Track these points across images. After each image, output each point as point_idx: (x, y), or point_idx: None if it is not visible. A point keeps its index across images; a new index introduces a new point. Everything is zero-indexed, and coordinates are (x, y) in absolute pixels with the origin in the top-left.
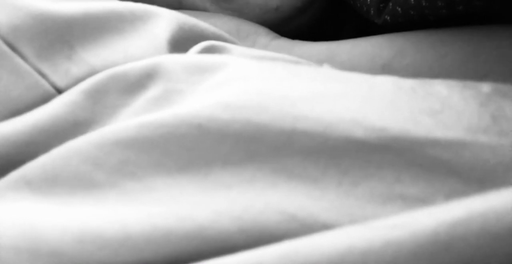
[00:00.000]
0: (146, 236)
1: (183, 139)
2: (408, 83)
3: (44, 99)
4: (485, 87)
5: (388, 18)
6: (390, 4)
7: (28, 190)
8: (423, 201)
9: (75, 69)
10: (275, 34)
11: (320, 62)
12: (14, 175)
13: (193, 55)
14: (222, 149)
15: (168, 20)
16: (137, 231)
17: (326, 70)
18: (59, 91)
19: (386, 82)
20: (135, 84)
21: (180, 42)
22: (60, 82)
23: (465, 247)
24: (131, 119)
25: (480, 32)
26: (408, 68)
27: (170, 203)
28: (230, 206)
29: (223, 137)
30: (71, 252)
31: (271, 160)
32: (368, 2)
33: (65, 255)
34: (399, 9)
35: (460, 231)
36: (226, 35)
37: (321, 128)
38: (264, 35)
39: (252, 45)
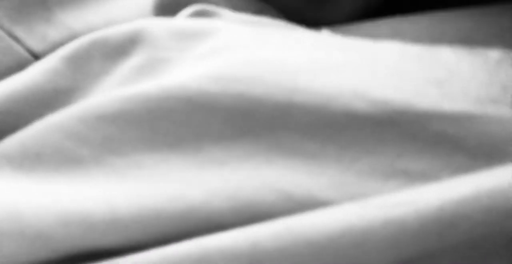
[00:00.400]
0: (134, 217)
1: (171, 113)
2: (415, 50)
3: (20, 66)
4: (494, 54)
5: None
6: None
7: (9, 168)
8: (427, 177)
9: (53, 33)
10: None
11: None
12: None
13: (180, 19)
14: (213, 124)
15: None
16: (125, 212)
17: (326, 36)
18: (36, 57)
19: (391, 49)
20: (118, 50)
21: (169, 6)
22: (36, 46)
23: (471, 225)
24: (115, 90)
25: (478, 10)
26: None
27: (159, 181)
28: (223, 184)
29: (214, 111)
30: (56, 235)
31: (266, 135)
32: None
33: (50, 238)
34: None
35: (466, 209)
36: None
37: (320, 101)
38: None
39: None
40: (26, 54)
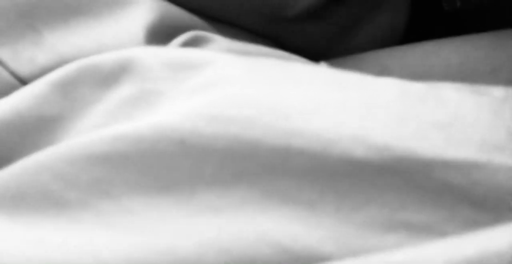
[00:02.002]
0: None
1: (163, 156)
2: (416, 88)
3: (4, 91)
4: (498, 92)
5: (459, 3)
6: None
7: None
8: (430, 230)
9: (42, 56)
10: None
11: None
12: None
13: (173, 49)
14: (207, 168)
15: (149, 6)
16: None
17: (323, 71)
18: (23, 82)
19: (391, 88)
20: (108, 77)
21: (162, 32)
22: (23, 70)
23: None
24: (105, 125)
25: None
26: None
27: (150, 231)
28: (217, 236)
29: (208, 154)
30: None
31: (262, 181)
32: None
33: None
34: None
35: None
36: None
37: (319, 146)
38: None
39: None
40: (11, 79)
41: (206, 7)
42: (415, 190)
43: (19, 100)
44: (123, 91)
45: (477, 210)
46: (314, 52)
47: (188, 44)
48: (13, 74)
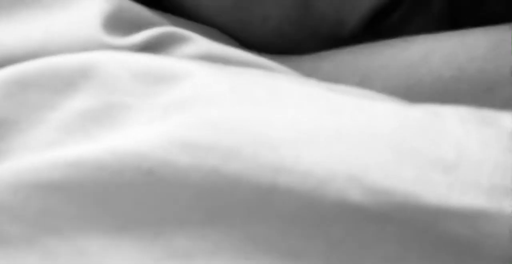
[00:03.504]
0: None
1: (126, 188)
2: (415, 116)
3: None
4: (506, 122)
5: None
6: None
7: None
8: None
9: None
10: None
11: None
12: None
13: (145, 56)
14: (177, 205)
15: None
16: None
17: (313, 90)
18: None
19: (389, 115)
20: (65, 81)
21: (121, 24)
22: None
23: None
24: (59, 142)
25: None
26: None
27: None
28: None
29: (180, 188)
30: None
31: (241, 224)
32: None
33: None
34: None
35: None
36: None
37: (309, 186)
38: None
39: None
40: None
41: (267, 33)
42: (417, 242)
43: None
44: (83, 101)
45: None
46: None
47: (159, 42)
48: None
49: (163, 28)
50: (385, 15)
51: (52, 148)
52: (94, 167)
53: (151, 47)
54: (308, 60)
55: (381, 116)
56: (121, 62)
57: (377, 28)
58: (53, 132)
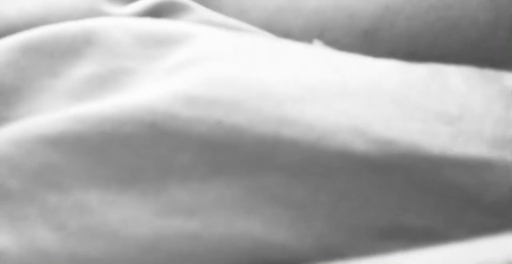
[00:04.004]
0: None
1: (129, 141)
2: (419, 74)
3: None
4: (509, 80)
5: None
6: None
7: None
8: (433, 236)
9: None
10: None
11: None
12: None
13: (146, 20)
14: (181, 158)
15: None
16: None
17: (317, 51)
18: None
19: (393, 72)
20: (68, 48)
21: None
22: None
23: None
24: (67, 106)
25: None
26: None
27: (105, 233)
28: (187, 245)
29: (183, 141)
30: None
31: (245, 175)
32: None
33: None
34: None
35: None
36: None
37: (313, 137)
38: None
39: None
40: None
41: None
42: (419, 191)
43: None
44: (87, 67)
45: (486, 214)
46: None
47: (159, 11)
48: None
49: None
50: None
51: (59, 110)
52: (97, 120)
53: (152, 15)
54: None
55: (384, 73)
56: (124, 27)
57: None
58: (59, 100)
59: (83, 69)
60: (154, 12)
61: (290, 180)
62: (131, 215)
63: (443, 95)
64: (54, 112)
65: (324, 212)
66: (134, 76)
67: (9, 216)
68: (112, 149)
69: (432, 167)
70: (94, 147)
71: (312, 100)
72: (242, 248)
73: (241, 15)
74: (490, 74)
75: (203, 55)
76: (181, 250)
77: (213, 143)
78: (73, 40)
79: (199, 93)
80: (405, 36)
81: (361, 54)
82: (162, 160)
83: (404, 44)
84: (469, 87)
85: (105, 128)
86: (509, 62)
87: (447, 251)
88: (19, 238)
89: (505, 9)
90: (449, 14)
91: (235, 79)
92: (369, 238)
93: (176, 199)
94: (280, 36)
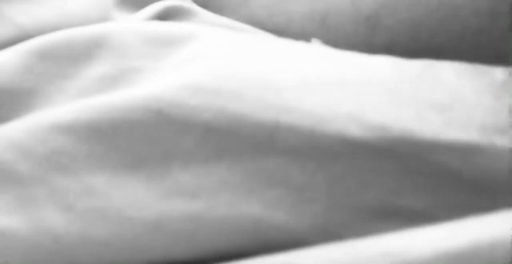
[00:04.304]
0: (82, 248)
1: (136, 127)
2: (413, 67)
3: None
4: (499, 73)
5: None
6: None
7: None
8: (424, 217)
9: (1, 30)
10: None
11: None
12: None
13: (153, 22)
14: (185, 143)
15: None
16: (71, 240)
17: (316, 48)
18: None
19: (387, 66)
20: (81, 53)
21: (131, 1)
22: None
23: None
24: (77, 99)
25: None
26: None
27: (111, 214)
28: (191, 225)
29: (188, 127)
30: None
31: (247, 159)
32: None
33: None
34: None
35: None
36: None
37: (311, 123)
38: None
39: None
40: None
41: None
42: (413, 174)
43: None
44: (98, 68)
45: (474, 195)
46: None
47: (164, 16)
48: None
49: (168, 2)
50: None
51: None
52: (107, 108)
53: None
54: None
55: (379, 67)
56: (132, 29)
57: None
58: (72, 99)
59: (94, 70)
60: (160, 17)
61: (289, 164)
62: (136, 197)
63: (435, 86)
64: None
65: (321, 194)
66: (144, 74)
67: (18, 198)
68: (119, 135)
69: (425, 151)
70: (102, 133)
71: (310, 90)
72: (242, 228)
73: (244, 2)
74: (481, 68)
75: (207, 51)
76: (184, 230)
77: (216, 129)
78: (86, 44)
79: (204, 83)
80: (407, 23)
81: (364, 40)
82: (167, 145)
83: (406, 30)
84: (461, 79)
85: (114, 115)
86: (508, 51)
87: (438, 230)
88: (28, 219)
89: None
90: (450, 2)
91: (237, 71)
92: (365, 219)
93: (179, 182)
94: (282, 25)
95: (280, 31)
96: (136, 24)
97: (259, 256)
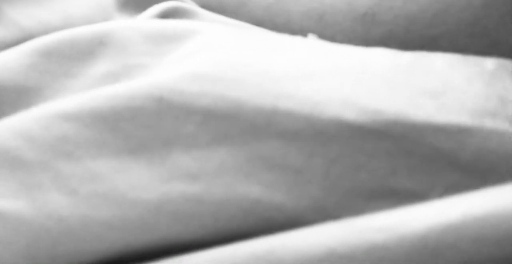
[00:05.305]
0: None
1: (138, 113)
2: (406, 58)
3: None
4: (490, 64)
5: None
6: None
7: None
8: (417, 196)
9: (3, 32)
10: None
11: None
12: None
13: (154, 20)
14: (186, 128)
15: None
16: (75, 222)
17: (313, 42)
18: None
19: (381, 57)
20: (85, 51)
21: (133, 2)
22: None
23: (456, 255)
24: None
25: None
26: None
27: (114, 197)
28: (191, 207)
29: (188, 113)
30: None
31: (245, 143)
32: None
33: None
34: None
35: (452, 237)
36: None
37: (306, 108)
38: None
39: None
40: None
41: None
42: (406, 156)
43: None
44: (102, 66)
45: (465, 175)
46: None
47: (165, 17)
48: None
49: (168, 3)
50: None
51: None
52: (109, 97)
53: None
54: None
55: (374, 58)
56: (134, 27)
57: None
58: (76, 91)
59: (98, 68)
60: (161, 18)
61: (287, 147)
62: (138, 181)
63: (427, 75)
64: None
65: (318, 176)
66: (146, 70)
67: (23, 183)
68: (122, 121)
69: (417, 134)
70: (105, 120)
71: (307, 79)
72: (242, 210)
73: (243, 2)
74: (472, 58)
75: (208, 45)
76: (185, 211)
77: (215, 114)
78: (89, 43)
79: (204, 71)
80: (402, 18)
81: (361, 35)
82: (168, 131)
83: (401, 24)
84: (452, 68)
85: (116, 103)
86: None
87: (430, 206)
88: (32, 203)
89: None
90: None
91: (237, 61)
92: (361, 199)
93: (180, 166)
94: (281, 24)
95: (279, 30)
96: (137, 22)
97: (258, 237)
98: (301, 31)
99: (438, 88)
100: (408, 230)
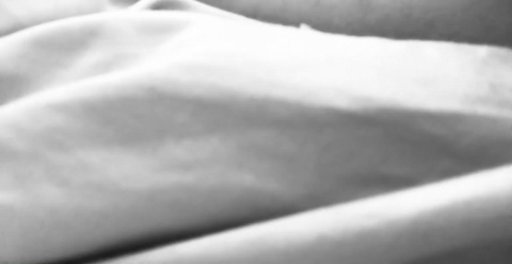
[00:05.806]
0: (78, 219)
1: (129, 103)
2: (398, 47)
3: None
4: (481, 51)
5: None
6: None
7: None
8: (409, 182)
9: None
10: None
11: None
12: None
13: (146, 12)
14: (178, 118)
15: None
16: (68, 212)
17: (305, 32)
18: None
19: (374, 46)
20: (76, 41)
21: None
22: None
23: (445, 238)
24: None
25: None
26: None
27: (107, 188)
28: (184, 197)
29: (180, 103)
30: None
31: (238, 132)
32: None
33: None
34: None
35: (441, 221)
36: None
37: (298, 96)
38: None
39: None
40: None
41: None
42: (397, 142)
43: None
44: (92, 56)
45: (457, 161)
46: None
47: (158, 8)
48: None
49: None
50: None
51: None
52: (101, 87)
53: None
54: None
55: (366, 47)
56: (127, 18)
57: None
58: (67, 81)
59: (89, 58)
60: (154, 10)
61: (279, 135)
62: (131, 171)
63: (419, 63)
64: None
65: (311, 163)
66: (138, 60)
67: (15, 174)
68: (113, 111)
69: (409, 120)
70: (97, 110)
71: (299, 68)
72: (235, 198)
73: None
74: (464, 46)
75: (200, 36)
76: (178, 200)
77: (207, 104)
78: (80, 33)
79: (197, 61)
80: (398, 2)
81: (358, 18)
82: (160, 120)
83: (398, 9)
84: (444, 56)
85: (107, 93)
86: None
87: (420, 192)
88: (24, 194)
89: None
90: None
91: (230, 51)
92: (353, 186)
93: (173, 155)
94: (278, 8)
95: (277, 14)
96: (129, 13)
97: (252, 225)
98: (299, 15)
99: (429, 75)
100: (398, 215)
